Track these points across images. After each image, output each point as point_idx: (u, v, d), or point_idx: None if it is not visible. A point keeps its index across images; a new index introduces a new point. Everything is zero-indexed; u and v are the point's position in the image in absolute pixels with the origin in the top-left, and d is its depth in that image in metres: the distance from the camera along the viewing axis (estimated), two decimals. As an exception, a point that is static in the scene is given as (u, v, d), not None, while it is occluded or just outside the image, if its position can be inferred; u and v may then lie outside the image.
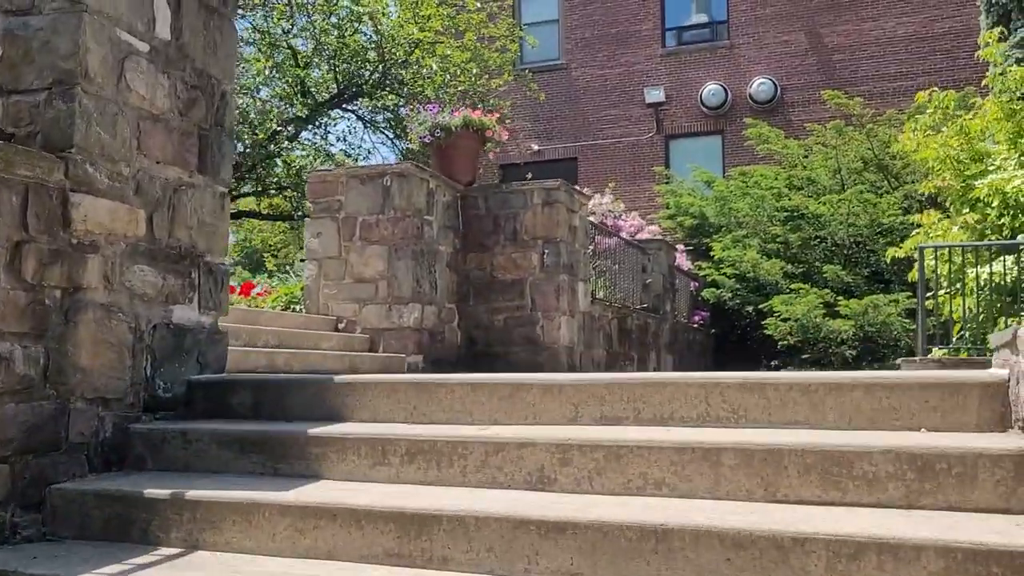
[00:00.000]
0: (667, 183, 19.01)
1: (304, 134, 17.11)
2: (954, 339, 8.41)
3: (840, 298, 13.13)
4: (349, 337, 6.91)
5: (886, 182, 15.15)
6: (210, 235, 3.45)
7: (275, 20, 14.02)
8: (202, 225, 3.40)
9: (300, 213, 16.20)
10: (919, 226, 9.35)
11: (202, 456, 2.88)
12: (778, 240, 14.74)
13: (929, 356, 7.99)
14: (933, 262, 8.48)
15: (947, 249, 8.42)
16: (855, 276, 13.87)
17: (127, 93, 3.05)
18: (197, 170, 3.40)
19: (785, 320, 12.96)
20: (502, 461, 2.52)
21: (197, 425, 2.97)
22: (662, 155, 20.52)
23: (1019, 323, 5.30)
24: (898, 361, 8.93)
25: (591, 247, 9.32)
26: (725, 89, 19.81)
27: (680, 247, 15.37)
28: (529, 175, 19.29)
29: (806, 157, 16.44)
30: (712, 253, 15.17)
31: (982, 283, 8.00)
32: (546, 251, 7.80)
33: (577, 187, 12.57)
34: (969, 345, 8.10)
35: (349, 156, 17.19)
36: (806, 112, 19.30)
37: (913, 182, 15.04)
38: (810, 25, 19.65)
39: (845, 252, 14.61)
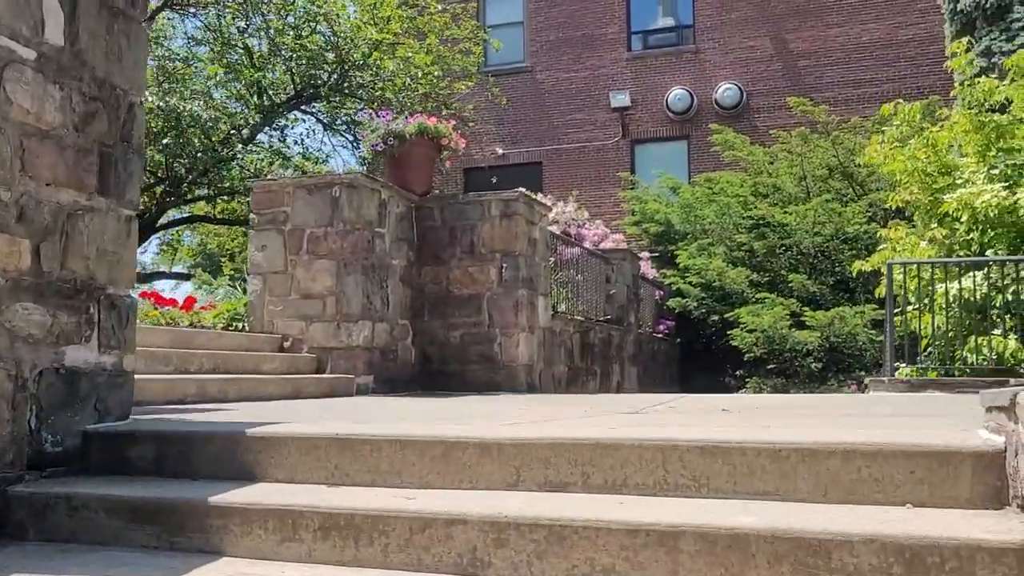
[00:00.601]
0: (632, 188, 18.79)
1: (261, 137, 16.67)
2: (921, 356, 8.21)
3: (806, 309, 12.96)
4: (294, 358, 6.52)
5: (851, 190, 15.03)
6: (113, 265, 3.07)
7: (228, 20, 13.53)
8: (103, 254, 3.02)
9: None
10: (886, 240, 9.16)
11: (89, 526, 2.51)
12: (744, 248, 14.55)
13: (896, 376, 7.78)
14: (901, 277, 8.28)
15: (915, 265, 8.23)
16: (820, 286, 13.72)
17: (7, 107, 2.66)
18: (97, 192, 3.02)
19: (751, 331, 12.76)
20: (429, 540, 2.18)
21: (85, 489, 2.59)
22: (628, 160, 20.30)
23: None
24: (866, 381, 8.73)
25: (552, 258, 9.01)
26: (691, 94, 19.63)
27: (645, 255, 15.14)
28: (494, 179, 19.01)
29: (771, 164, 16.29)
30: (678, 261, 14.95)
31: (951, 299, 7.81)
32: (504, 265, 7.47)
33: (539, 196, 12.29)
34: (936, 364, 7.90)
35: (308, 159, 16.73)
36: (772, 118, 19.18)
37: (878, 190, 14.96)
38: (776, 30, 19.55)
39: (810, 261, 14.45)
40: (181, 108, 10.50)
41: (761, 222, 14.51)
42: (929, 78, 17.89)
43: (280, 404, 4.94)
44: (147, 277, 20.35)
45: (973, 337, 7.67)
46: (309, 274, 6.82)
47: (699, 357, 15.45)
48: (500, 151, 21.02)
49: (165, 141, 11.57)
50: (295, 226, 6.90)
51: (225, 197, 15.39)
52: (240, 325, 6.91)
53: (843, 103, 18.67)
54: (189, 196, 14.13)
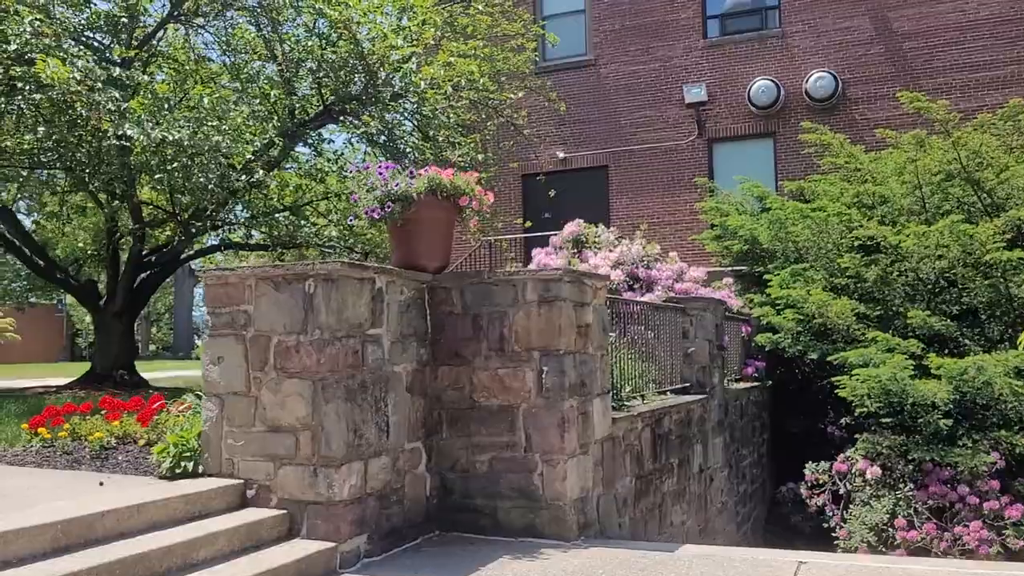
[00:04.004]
0: (712, 195, 16.56)
1: (300, 149, 15.06)
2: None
3: (930, 352, 10.67)
4: (253, 524, 4.74)
5: (977, 199, 12.57)
6: None
7: (240, 30, 11.89)
8: None
9: (298, 241, 14.15)
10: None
11: None
12: (848, 275, 12.25)
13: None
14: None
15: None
16: (944, 320, 11.36)
17: None
18: None
19: (863, 381, 10.55)
20: None
21: None
22: (704, 162, 18.05)
23: None
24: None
25: (613, 330, 7.08)
26: (777, 85, 17.25)
27: (728, 280, 13.00)
28: (552, 192, 17.01)
29: (874, 164, 13.90)
30: (768, 289, 12.74)
31: None
32: (546, 369, 5.54)
33: (601, 230, 10.33)
34: None
35: (346, 180, 15.06)
36: (873, 110, 16.70)
37: (1008, 196, 12.50)
38: (875, 8, 16.98)
39: (929, 288, 12.10)
40: (168, 138, 8.86)
41: (869, 243, 12.18)
42: (1065, 58, 15.23)
43: None
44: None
45: None
46: (277, 398, 5.03)
47: (794, 400, 13.27)
48: (561, 155, 19.04)
49: (158, 176, 10.04)
50: (259, 332, 5.11)
51: (252, 224, 13.81)
52: (188, 465, 5.16)
53: (957, 90, 16.08)
54: (206, 229, 12.57)
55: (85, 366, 15.44)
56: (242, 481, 5.08)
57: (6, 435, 6.70)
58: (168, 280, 15.85)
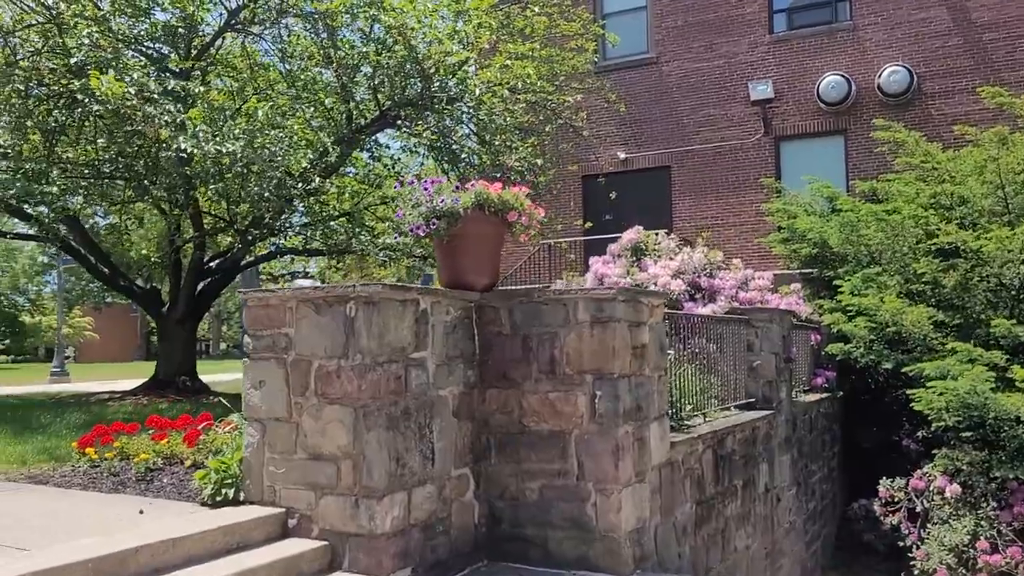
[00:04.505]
0: (778, 196, 16.00)
1: (358, 155, 15.01)
2: None
3: (1015, 363, 10.05)
4: (293, 557, 4.57)
5: (1066, 199, 11.83)
6: None
7: (296, 38, 11.85)
8: None
9: (358, 247, 14.06)
10: None
11: None
12: (924, 280, 11.64)
13: None
14: None
15: None
16: (1030, 329, 10.70)
17: None
18: None
19: (940, 394, 9.98)
20: None
21: None
22: (771, 161, 17.47)
23: None
24: None
25: (671, 331, 6.77)
26: (848, 80, 16.59)
27: (796, 285, 12.49)
28: (612, 195, 16.65)
29: (952, 162, 13.20)
30: (838, 296, 12.20)
31: None
32: (599, 393, 5.26)
33: (661, 237, 9.96)
34: None
35: (401, 182, 14.94)
36: (950, 105, 15.94)
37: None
38: (953, -2, 16.17)
39: (1013, 294, 11.41)
40: (223, 151, 8.82)
41: (948, 247, 11.54)
42: None
43: None
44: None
45: None
46: (318, 425, 4.85)
47: (867, 411, 12.70)
48: (622, 156, 18.67)
49: (213, 187, 10.05)
50: (300, 356, 4.94)
51: (307, 233, 13.79)
52: (230, 492, 5.02)
53: (1043, 83, 15.20)
54: (263, 236, 12.57)
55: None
56: (283, 510, 4.92)
57: (58, 452, 6.70)
58: (236, 279, 16.00)
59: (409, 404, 4.95)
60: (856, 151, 16.61)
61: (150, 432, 6.29)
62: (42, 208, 10.88)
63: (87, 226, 14.90)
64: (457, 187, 5.47)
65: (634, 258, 9.48)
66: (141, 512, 4.88)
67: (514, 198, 5.54)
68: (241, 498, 5.07)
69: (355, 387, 4.72)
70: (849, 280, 12.24)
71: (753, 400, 8.55)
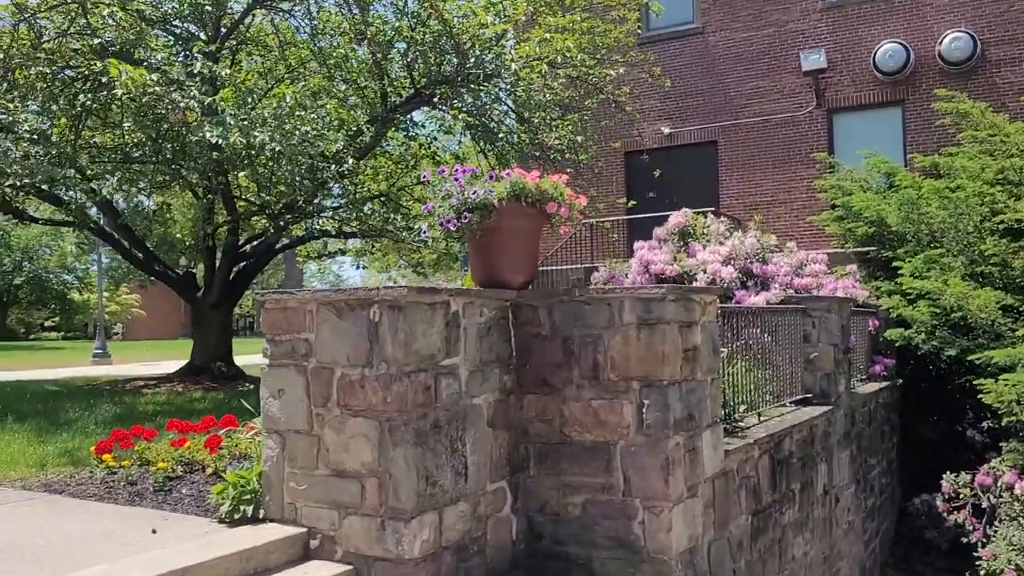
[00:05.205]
0: (832, 171, 15.27)
1: (393, 135, 14.59)
2: None
3: (1092, 352, 9.37)
4: (312, 584, 4.20)
5: None
6: None
7: (326, 15, 11.43)
8: None
9: (392, 229, 13.67)
10: None
11: None
12: (992, 262, 10.93)
13: None
14: None
15: None
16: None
17: None
18: None
19: (1013, 385, 9.34)
20: None
21: None
22: (824, 135, 16.70)
23: None
24: None
25: (722, 322, 6.28)
26: (906, 48, 15.74)
27: (852, 267, 11.82)
28: (657, 172, 16.02)
29: (1021, 135, 12.39)
30: (898, 277, 11.54)
31: None
32: (647, 402, 4.80)
33: (711, 220, 9.37)
34: None
35: (437, 162, 14.53)
36: (1016, 73, 15.04)
37: None
38: (1021, -43, 15.19)
39: (1089, 276, 10.67)
40: (249, 141, 8.46)
41: (1017, 226, 10.81)
42: None
43: None
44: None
45: None
46: (341, 439, 4.46)
47: (927, 400, 12.06)
48: (666, 131, 18.02)
49: (242, 174, 9.72)
50: (321, 363, 4.55)
51: (337, 217, 13.43)
52: (248, 509, 4.67)
53: (1119, 47, 14.24)
54: (296, 220, 12.24)
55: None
56: (305, 529, 4.55)
57: (79, 455, 6.44)
58: (279, 257, 15.85)
59: (439, 416, 4.54)
60: (915, 123, 15.78)
61: (170, 436, 5.97)
62: (72, 193, 10.66)
63: (128, 208, 14.75)
64: (491, 176, 5.01)
65: (681, 243, 8.95)
66: (154, 532, 4.56)
67: (553, 187, 5.07)
68: (260, 515, 4.71)
69: (380, 399, 4.32)
70: (910, 261, 11.58)
71: (810, 395, 8.02)
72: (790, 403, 7.71)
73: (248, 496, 4.75)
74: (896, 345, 11.39)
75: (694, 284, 8.37)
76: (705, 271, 8.31)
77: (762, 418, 6.86)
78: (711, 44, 17.87)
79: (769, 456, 6.36)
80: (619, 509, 4.90)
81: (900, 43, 15.79)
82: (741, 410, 6.46)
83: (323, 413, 4.53)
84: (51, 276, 53.28)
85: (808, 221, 15.73)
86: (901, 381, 11.96)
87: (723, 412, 5.83)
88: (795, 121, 16.95)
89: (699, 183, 17.32)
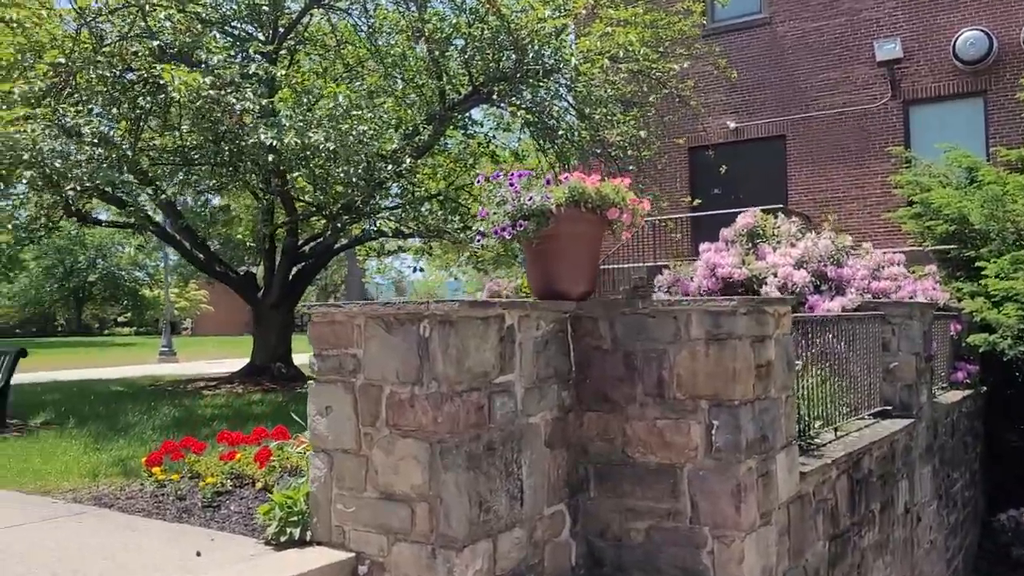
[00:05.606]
0: (908, 166, 14.58)
1: (451, 133, 14.40)
2: None
3: None
4: (359, 615, 3.98)
5: None
6: None
7: (382, 13, 11.26)
8: None
9: (455, 226, 13.46)
10: None
11: None
12: (1086, 262, 10.24)
13: None
14: None
15: None
16: None
17: None
18: None
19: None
20: None
21: None
22: (900, 128, 15.98)
23: None
24: None
25: (797, 338, 5.89)
26: (988, 35, 14.94)
27: (931, 267, 11.21)
28: (723, 168, 15.51)
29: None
30: (981, 277, 10.90)
31: None
32: (715, 422, 4.47)
33: (780, 220, 8.89)
34: None
35: (496, 160, 14.29)
36: (1111, 60, 14.09)
37: None
38: (1116, -63, 14.29)
39: None
40: (304, 142, 8.33)
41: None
42: None
43: None
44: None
45: None
46: (390, 460, 4.23)
47: (1013, 407, 11.39)
48: (732, 125, 17.47)
49: (296, 175, 9.61)
50: (369, 380, 4.32)
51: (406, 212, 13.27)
52: (295, 532, 4.48)
53: None
54: (353, 221, 12.11)
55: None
56: (353, 555, 4.34)
57: (131, 465, 6.36)
58: (341, 254, 15.81)
59: (493, 437, 4.28)
60: (998, 115, 14.97)
61: (220, 449, 5.84)
62: (133, 196, 10.71)
63: (191, 208, 14.85)
64: (548, 181, 4.72)
65: (749, 244, 8.53)
66: (198, 554, 4.39)
67: (615, 192, 4.76)
68: (307, 538, 4.52)
69: (430, 419, 4.08)
70: (995, 262, 10.94)
71: (890, 407, 7.55)
72: (868, 416, 7.25)
73: (295, 518, 4.56)
74: (980, 350, 10.76)
75: (763, 288, 7.95)
76: (775, 275, 7.89)
77: (839, 433, 6.45)
78: (779, 35, 17.26)
79: (848, 476, 5.95)
80: (686, 537, 4.57)
81: (982, 30, 14.99)
82: (816, 426, 6.06)
83: (372, 432, 4.31)
84: (123, 273, 54.70)
85: (883, 219, 15.05)
86: (985, 388, 11.30)
87: (797, 429, 5.45)
88: (869, 114, 16.25)
89: (766, 179, 16.75)
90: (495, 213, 4.79)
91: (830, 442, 6.17)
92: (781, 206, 13.92)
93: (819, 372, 6.39)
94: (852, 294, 7.85)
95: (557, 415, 4.77)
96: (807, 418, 5.93)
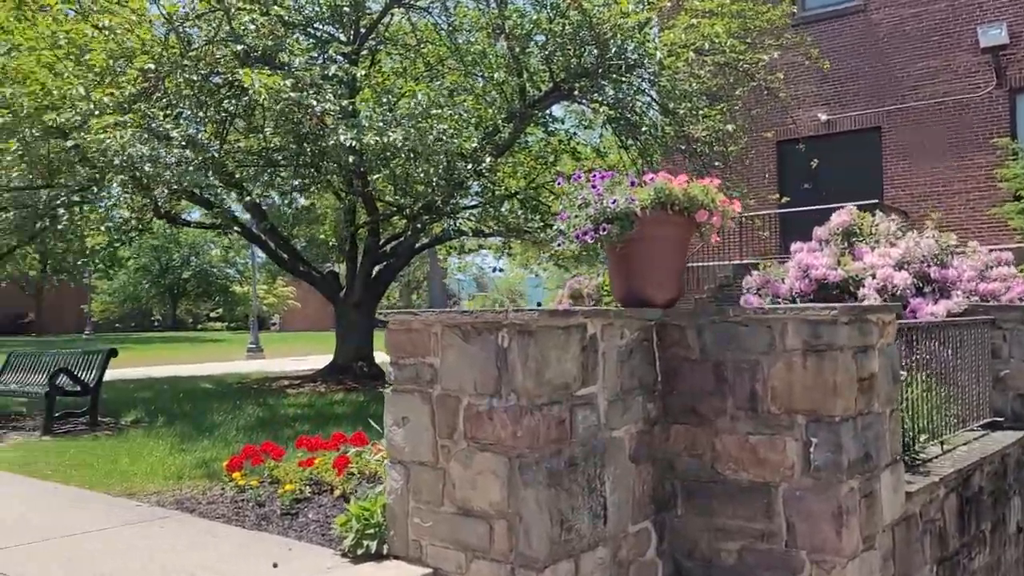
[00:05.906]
0: (1015, 159, 13.76)
1: (531, 131, 14.22)
2: None
3: None
4: (435, 636, 3.83)
5: None
6: None
7: (459, 13, 11.17)
8: None
9: (535, 226, 13.29)
10: None
11: None
12: None
13: None
14: None
15: None
16: None
17: None
18: None
19: None
20: None
21: None
22: (1005, 118, 15.10)
23: None
24: None
25: (901, 346, 5.51)
26: (1105, 17, 13.94)
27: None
28: (813, 163, 14.92)
29: None
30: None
31: None
32: (814, 439, 4.17)
33: (879, 219, 8.38)
34: None
35: (577, 157, 14.06)
36: None
37: None
38: None
39: None
40: (384, 141, 8.28)
41: None
42: None
43: None
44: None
45: None
46: (468, 474, 4.08)
47: None
48: (823, 117, 16.82)
49: (376, 177, 9.59)
50: (446, 391, 4.18)
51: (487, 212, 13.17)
52: (372, 545, 4.37)
53: None
54: (434, 220, 12.05)
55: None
56: (431, 570, 4.21)
57: (214, 467, 6.38)
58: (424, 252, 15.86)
59: (575, 452, 4.08)
60: (1115, 102, 13.98)
61: (299, 455, 5.80)
62: (218, 198, 10.88)
63: (276, 208, 15.07)
64: (632, 183, 4.49)
65: (845, 244, 8.11)
66: (275, 566, 4.32)
67: (704, 193, 4.50)
68: (384, 551, 4.41)
69: (509, 433, 3.91)
70: (1114, 260, 10.15)
71: (1000, 419, 7.04)
72: (977, 427, 6.78)
73: (372, 530, 4.45)
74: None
75: (860, 291, 7.51)
76: (874, 276, 7.45)
77: (945, 447, 6.03)
78: (874, 22, 16.51)
79: (957, 494, 5.54)
80: (781, 560, 4.29)
81: (1098, 11, 14.03)
82: (921, 440, 5.67)
83: (449, 445, 4.17)
84: (214, 270, 56.32)
85: (988, 214, 14.25)
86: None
87: (901, 443, 5.09)
88: (971, 103, 15.39)
89: (860, 173, 16.05)
90: (576, 216, 4.59)
91: (936, 457, 5.77)
92: (876, 202, 13.30)
93: (924, 381, 5.98)
94: (958, 296, 7.37)
95: (642, 428, 4.54)
96: (912, 431, 5.54)
